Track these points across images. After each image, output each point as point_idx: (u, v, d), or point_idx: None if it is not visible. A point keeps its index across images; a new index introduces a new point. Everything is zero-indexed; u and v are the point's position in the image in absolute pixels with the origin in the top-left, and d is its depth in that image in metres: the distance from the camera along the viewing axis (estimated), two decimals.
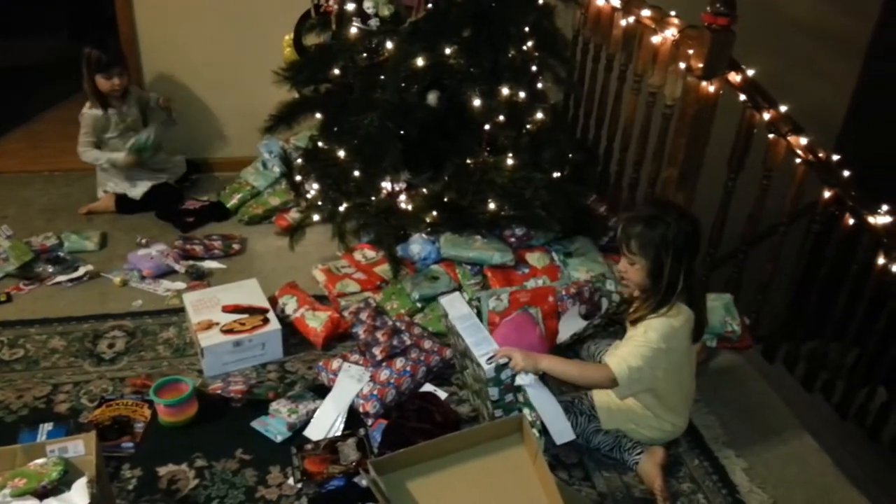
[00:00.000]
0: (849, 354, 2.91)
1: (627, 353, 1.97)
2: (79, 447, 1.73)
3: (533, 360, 1.97)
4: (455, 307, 2.12)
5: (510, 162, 2.70)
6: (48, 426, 2.10)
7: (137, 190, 3.27)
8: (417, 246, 2.82)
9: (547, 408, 1.97)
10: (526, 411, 1.98)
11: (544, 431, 1.99)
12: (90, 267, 2.84)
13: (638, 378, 1.96)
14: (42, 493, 1.61)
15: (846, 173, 2.59)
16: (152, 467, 2.01)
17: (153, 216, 3.24)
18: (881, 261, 2.56)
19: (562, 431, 1.97)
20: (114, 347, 2.47)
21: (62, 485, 1.64)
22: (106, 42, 3.19)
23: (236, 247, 3.03)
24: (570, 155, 2.99)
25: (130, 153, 3.20)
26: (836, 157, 2.61)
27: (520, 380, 1.96)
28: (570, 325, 2.42)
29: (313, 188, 2.89)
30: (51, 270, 2.80)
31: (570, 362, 2.09)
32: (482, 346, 1.98)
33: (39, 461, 1.68)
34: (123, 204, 3.27)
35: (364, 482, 1.89)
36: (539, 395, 1.97)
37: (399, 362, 2.28)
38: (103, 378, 2.33)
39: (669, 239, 1.92)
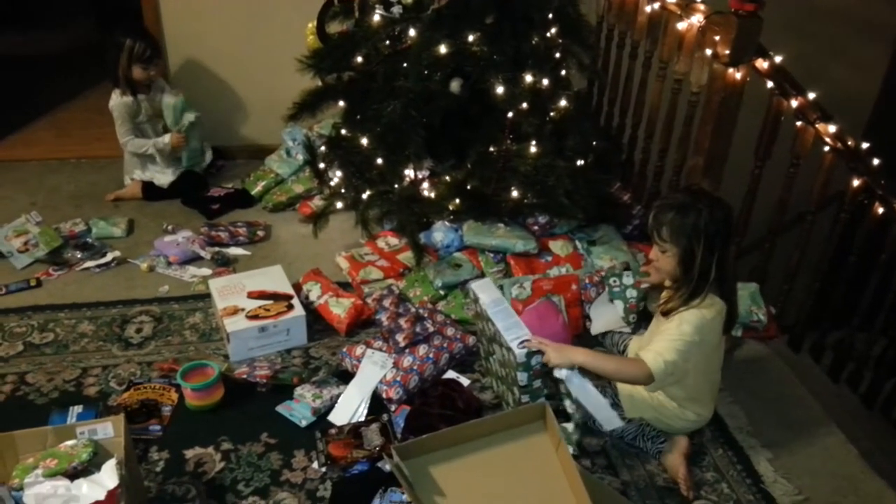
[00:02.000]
0: (876, 345, 2.88)
1: (663, 348, 1.94)
2: (108, 429, 1.76)
3: (567, 356, 1.95)
4: (486, 292, 2.12)
5: (533, 150, 2.69)
6: (78, 408, 2.14)
7: (165, 178, 3.30)
8: (440, 233, 2.82)
9: (590, 398, 1.96)
10: (567, 403, 1.98)
11: (584, 424, 2.00)
12: (117, 253, 2.88)
13: (672, 372, 1.95)
14: (73, 474, 1.65)
15: (875, 161, 2.55)
16: (179, 450, 2.04)
17: (179, 203, 3.27)
18: None
19: (610, 419, 1.99)
20: (141, 332, 2.50)
21: (92, 466, 1.68)
22: (145, 33, 3.23)
23: (261, 234, 3.06)
24: (594, 143, 2.97)
25: (182, 132, 3.24)
26: (865, 145, 2.56)
27: (558, 373, 1.95)
28: (603, 313, 2.40)
29: (337, 176, 2.90)
30: (79, 256, 2.85)
31: (605, 357, 2.07)
32: (513, 331, 1.98)
33: (70, 442, 1.72)
34: (150, 191, 3.30)
35: (387, 467, 1.91)
36: (580, 387, 1.96)
37: (422, 349, 2.29)
38: (131, 362, 2.37)
39: (701, 227, 1.89)
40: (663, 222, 1.96)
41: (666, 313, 2.01)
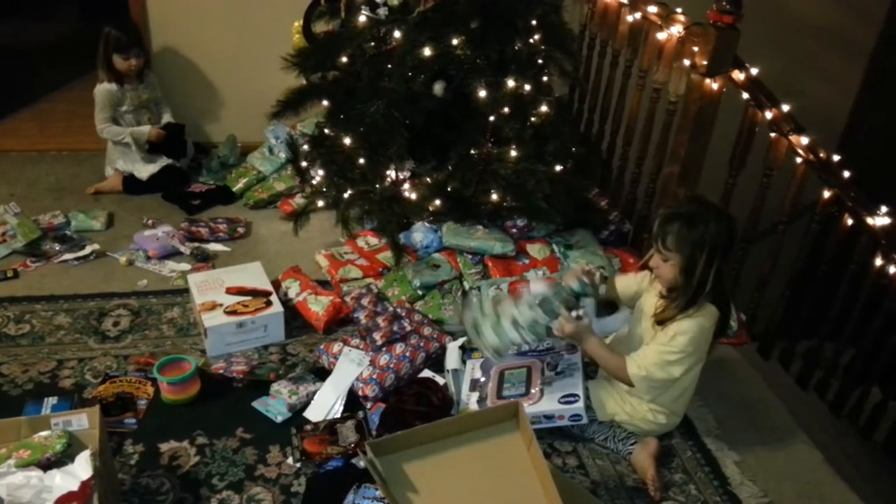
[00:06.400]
0: (844, 354, 2.94)
1: (650, 363, 2.00)
2: (83, 421, 1.76)
3: (580, 335, 2.05)
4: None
5: (514, 154, 2.73)
6: (53, 400, 2.14)
7: (146, 170, 3.30)
8: (420, 234, 2.85)
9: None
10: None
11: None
12: (96, 246, 2.88)
13: (657, 386, 2.02)
14: (46, 465, 1.65)
15: (846, 174, 2.60)
16: (154, 443, 2.05)
17: (160, 198, 3.27)
18: (879, 262, 2.58)
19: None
20: (118, 325, 2.50)
21: (66, 457, 1.67)
22: (126, 23, 3.23)
23: (241, 230, 3.07)
24: (574, 148, 3.00)
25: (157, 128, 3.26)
26: (836, 158, 2.62)
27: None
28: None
29: (318, 174, 2.92)
30: (58, 248, 2.84)
31: (607, 355, 2.09)
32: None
33: (44, 433, 1.71)
34: (130, 185, 3.30)
35: (362, 463, 1.92)
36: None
37: (399, 348, 2.31)
38: (108, 355, 2.36)
39: (706, 239, 1.92)
40: (669, 231, 1.97)
41: (661, 322, 2.03)
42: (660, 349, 2.00)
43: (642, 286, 2.20)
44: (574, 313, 2.04)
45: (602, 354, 2.09)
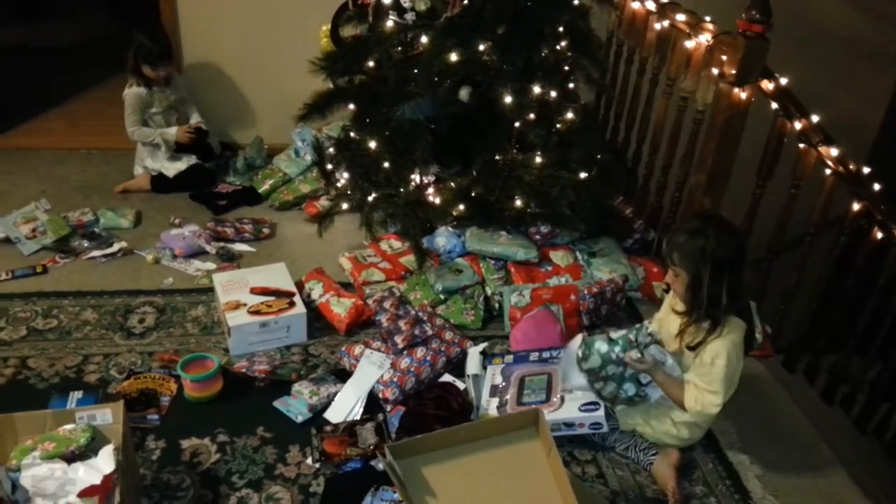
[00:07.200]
0: (871, 369, 2.89)
1: (707, 401, 1.98)
2: (107, 415, 1.79)
3: (649, 370, 2.04)
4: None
5: (538, 160, 2.73)
6: (78, 394, 2.17)
7: (174, 167, 3.34)
8: (443, 238, 2.85)
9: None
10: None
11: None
12: (124, 244, 2.92)
13: (713, 416, 2.02)
14: (70, 458, 1.68)
15: (876, 186, 2.57)
16: (176, 440, 2.07)
17: (187, 197, 3.31)
18: None
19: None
20: (144, 322, 2.53)
21: (89, 450, 1.70)
22: (155, 32, 3.27)
23: (266, 231, 3.09)
24: (599, 156, 3.00)
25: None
26: (866, 170, 2.59)
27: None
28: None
29: (343, 177, 2.94)
30: (86, 245, 2.88)
31: (673, 386, 2.06)
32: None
33: (68, 427, 1.74)
34: (158, 184, 3.34)
35: (380, 466, 1.93)
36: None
37: (420, 351, 2.31)
38: (132, 351, 2.39)
39: (708, 252, 1.91)
40: (674, 246, 1.98)
41: (693, 348, 2.01)
42: (706, 378, 1.98)
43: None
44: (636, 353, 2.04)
45: (668, 387, 2.06)
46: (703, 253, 1.92)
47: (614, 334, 2.07)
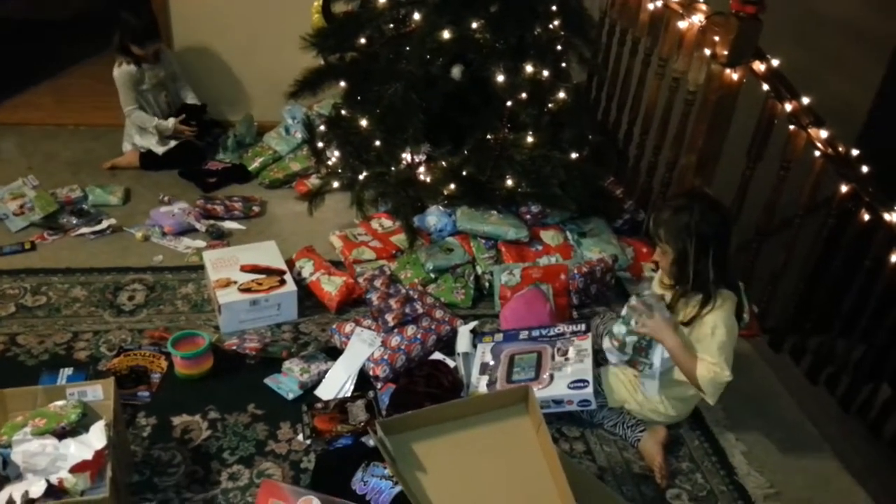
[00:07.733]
0: (855, 350, 2.93)
1: (718, 371, 1.95)
2: (97, 392, 1.79)
3: (661, 334, 2.00)
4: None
5: (530, 140, 2.72)
6: (68, 371, 2.17)
7: (164, 145, 3.32)
8: (434, 217, 2.85)
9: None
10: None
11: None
12: (113, 221, 2.90)
13: (722, 386, 1.99)
14: (61, 434, 1.68)
15: (864, 169, 2.58)
16: (167, 416, 2.08)
17: (176, 175, 3.29)
18: (894, 258, 2.56)
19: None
20: (133, 300, 2.53)
21: (80, 427, 1.71)
22: (142, 9, 3.24)
23: (256, 209, 3.08)
24: (591, 136, 3.00)
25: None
26: (855, 152, 2.60)
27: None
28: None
29: (334, 155, 2.93)
30: (75, 222, 2.86)
31: (686, 355, 2.01)
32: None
33: (59, 403, 1.74)
34: (147, 161, 3.32)
35: (371, 442, 1.94)
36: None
37: (410, 329, 2.32)
38: (122, 329, 2.39)
39: (692, 227, 1.93)
40: (660, 223, 2.01)
41: (687, 323, 2.02)
42: (710, 350, 1.96)
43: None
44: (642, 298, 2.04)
45: (680, 353, 2.00)
46: (687, 228, 1.94)
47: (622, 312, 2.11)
